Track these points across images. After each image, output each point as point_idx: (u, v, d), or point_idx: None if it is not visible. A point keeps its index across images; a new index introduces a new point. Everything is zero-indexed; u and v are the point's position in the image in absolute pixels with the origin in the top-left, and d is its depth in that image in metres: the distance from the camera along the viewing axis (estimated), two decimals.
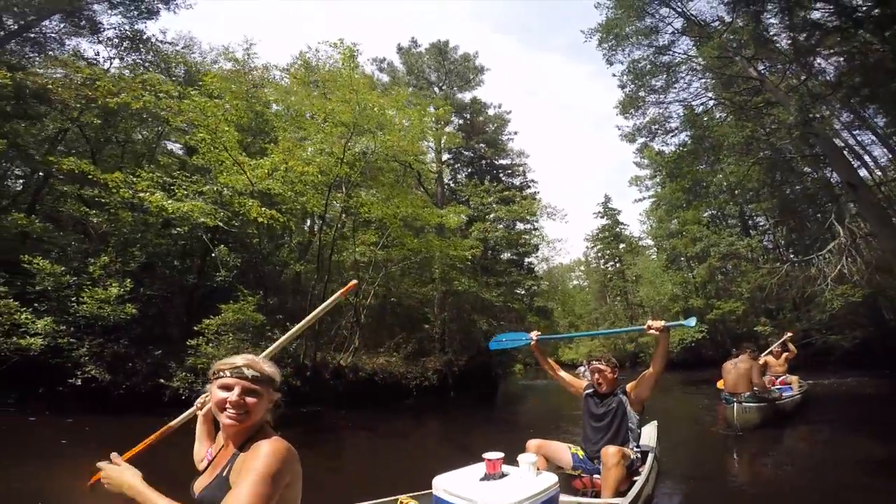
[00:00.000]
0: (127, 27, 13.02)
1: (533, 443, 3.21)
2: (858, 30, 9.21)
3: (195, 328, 7.96)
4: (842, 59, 11.29)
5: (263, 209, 8.21)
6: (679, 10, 14.73)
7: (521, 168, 20.07)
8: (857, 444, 5.00)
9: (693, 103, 15.90)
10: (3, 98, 9.15)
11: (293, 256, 11.02)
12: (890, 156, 13.69)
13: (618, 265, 28.71)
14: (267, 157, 9.19)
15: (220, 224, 9.19)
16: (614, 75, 15.42)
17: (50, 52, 12.21)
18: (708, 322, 18.40)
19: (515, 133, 22.14)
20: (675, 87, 15.69)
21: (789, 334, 8.46)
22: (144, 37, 13.11)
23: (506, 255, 19.48)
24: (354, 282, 1.73)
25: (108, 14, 13.20)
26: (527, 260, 19.07)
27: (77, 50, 12.85)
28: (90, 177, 8.43)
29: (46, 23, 12.56)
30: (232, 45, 26.00)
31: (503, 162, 20.20)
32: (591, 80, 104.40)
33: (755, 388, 6.09)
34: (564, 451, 3.27)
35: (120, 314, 7.80)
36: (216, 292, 10.51)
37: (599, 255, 30.22)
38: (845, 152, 13.41)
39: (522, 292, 18.22)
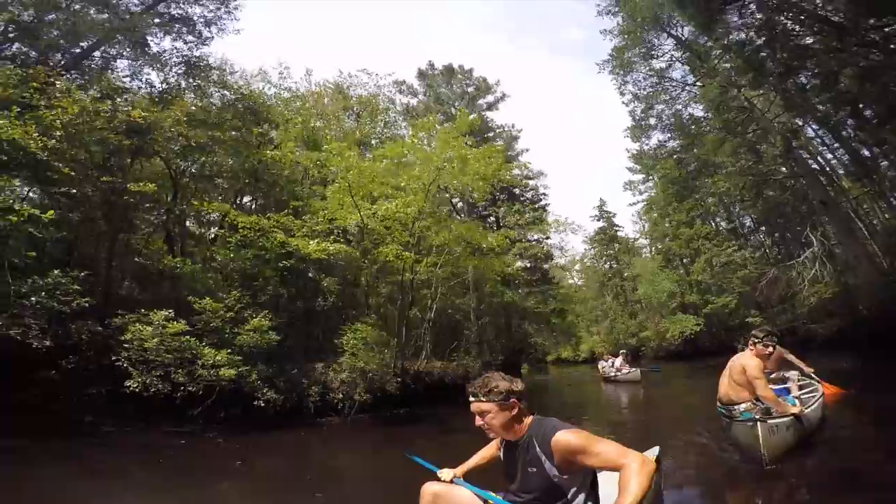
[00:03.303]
0: (185, 53, 13.29)
1: (430, 489, 2.22)
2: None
3: (342, 346, 9.63)
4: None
5: (400, 250, 9.87)
6: (676, 35, 17.12)
7: (533, 182, 22.13)
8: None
9: (689, 126, 18.37)
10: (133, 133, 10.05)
11: (380, 280, 12.60)
12: (853, 171, 16.49)
13: (614, 265, 31.49)
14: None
15: (325, 257, 10.72)
16: (624, 104, 17.82)
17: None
18: (704, 316, 21.18)
19: (526, 150, 24.21)
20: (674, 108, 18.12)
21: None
22: (203, 63, 13.27)
23: (519, 264, 21.53)
24: None
25: (159, 39, 13.52)
26: (545, 266, 21.16)
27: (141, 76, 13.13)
28: (229, 219, 9.74)
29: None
30: (265, 66, 26.49)
31: (516, 177, 22.17)
32: (579, 78, 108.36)
33: (758, 401, 4.27)
34: None
35: (271, 341, 9.23)
36: (315, 314, 12.01)
37: (598, 255, 32.94)
38: (819, 175, 16.11)
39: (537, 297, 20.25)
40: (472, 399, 2.07)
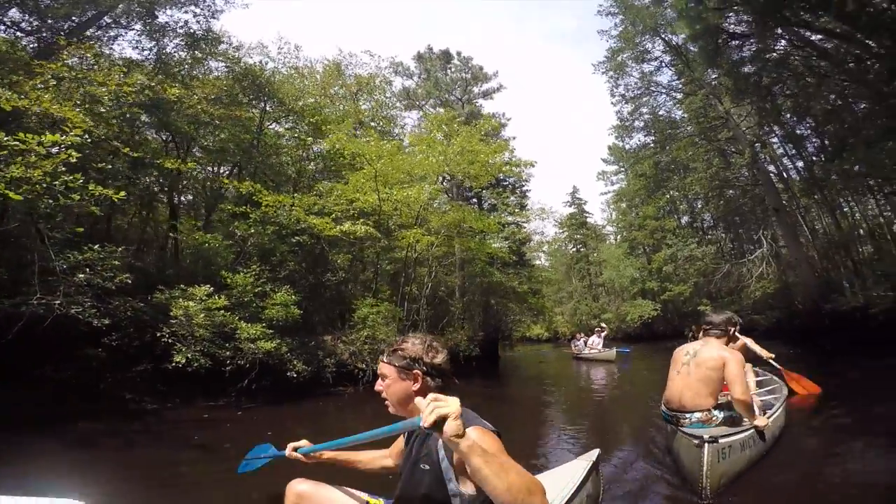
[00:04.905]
0: (193, 27, 12.62)
1: (295, 489, 1.82)
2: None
3: (355, 319, 10.38)
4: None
5: (422, 233, 10.55)
6: (667, 39, 18.27)
7: (518, 169, 22.97)
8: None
9: (667, 127, 19.87)
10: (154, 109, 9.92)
11: (382, 257, 13.26)
12: (806, 179, 18.56)
13: (582, 249, 33.39)
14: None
15: (339, 235, 11.22)
16: (612, 103, 18.93)
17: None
18: (661, 301, 23.42)
19: (514, 138, 24.93)
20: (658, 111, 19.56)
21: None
22: (211, 36, 12.73)
23: (497, 245, 22.65)
24: None
25: (165, 11, 13.24)
26: (522, 248, 22.41)
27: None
28: (254, 197, 10.04)
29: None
30: (264, 40, 25.09)
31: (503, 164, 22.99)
32: (557, 65, 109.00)
33: (716, 409, 3.41)
34: None
35: (296, 315, 9.77)
36: (324, 288, 12.52)
37: (567, 239, 34.73)
38: (776, 183, 18.09)
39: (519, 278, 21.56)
40: (380, 357, 1.71)
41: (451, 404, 1.08)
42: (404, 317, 12.97)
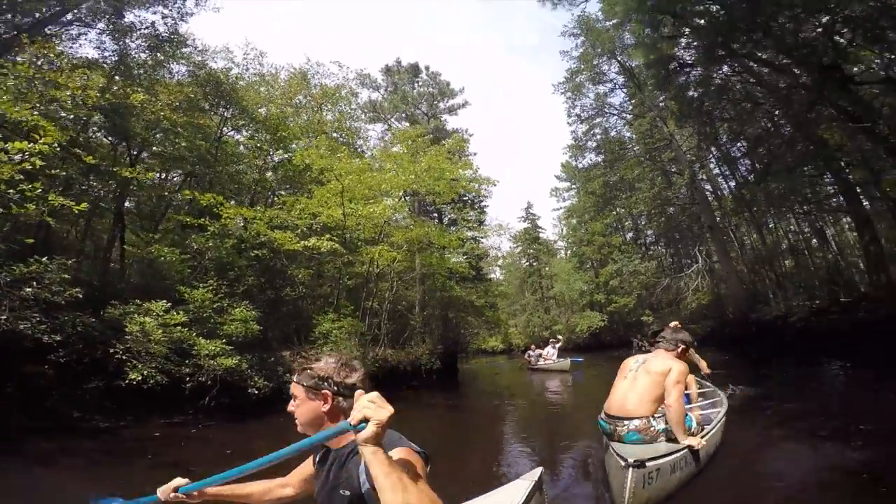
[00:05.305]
0: (162, 28, 11.98)
1: None
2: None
3: (317, 334, 10.21)
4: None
5: (387, 250, 10.62)
6: (621, 61, 19.65)
7: (477, 186, 23.61)
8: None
9: (617, 147, 21.29)
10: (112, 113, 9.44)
11: (344, 272, 13.22)
12: (738, 198, 20.38)
13: (535, 263, 34.55)
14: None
15: (299, 249, 11.14)
16: (569, 123, 20.11)
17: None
18: (607, 313, 24.77)
19: (475, 154, 25.63)
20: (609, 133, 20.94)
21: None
22: (177, 39, 12.22)
23: (456, 259, 23.08)
24: None
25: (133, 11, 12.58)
26: (480, 263, 22.95)
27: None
28: (215, 209, 9.82)
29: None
30: (230, 45, 24.24)
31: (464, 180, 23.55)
32: (519, 81, 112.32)
33: (653, 419, 3.43)
34: None
35: (255, 331, 9.59)
36: (283, 303, 12.30)
37: (521, 253, 35.81)
38: (711, 201, 19.80)
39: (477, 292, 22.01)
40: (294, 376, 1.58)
41: (380, 412, 1.07)
42: (366, 331, 13.00)
